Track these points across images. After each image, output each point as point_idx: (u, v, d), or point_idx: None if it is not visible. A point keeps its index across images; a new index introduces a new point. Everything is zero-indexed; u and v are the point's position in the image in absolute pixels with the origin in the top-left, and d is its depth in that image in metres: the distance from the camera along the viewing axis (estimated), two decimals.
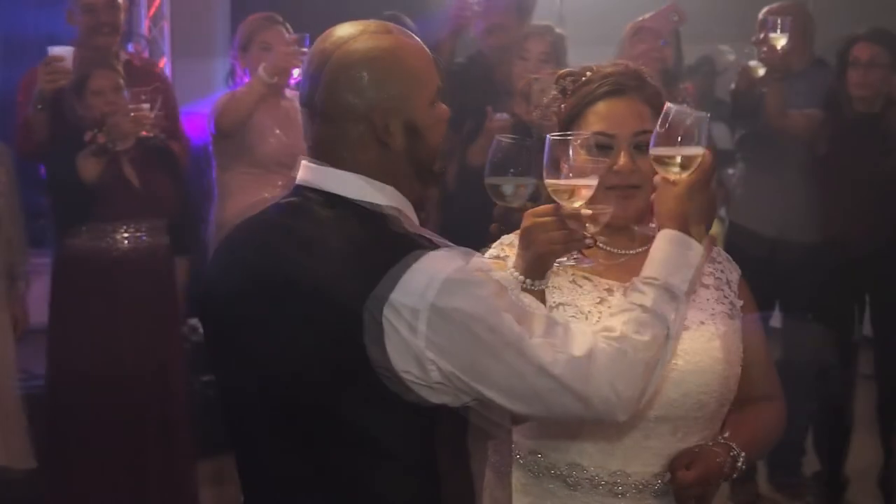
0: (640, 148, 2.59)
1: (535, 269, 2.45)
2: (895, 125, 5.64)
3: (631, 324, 2.20)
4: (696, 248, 2.32)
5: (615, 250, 2.70)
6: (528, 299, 2.27)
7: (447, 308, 2.07)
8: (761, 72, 5.61)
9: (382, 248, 2.14)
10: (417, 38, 2.35)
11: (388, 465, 2.18)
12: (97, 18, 5.61)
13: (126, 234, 5.31)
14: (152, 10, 8.09)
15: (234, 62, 5.85)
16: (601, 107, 2.64)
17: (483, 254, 2.62)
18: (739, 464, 2.65)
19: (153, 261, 5.36)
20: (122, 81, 5.27)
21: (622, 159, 2.59)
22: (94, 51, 5.57)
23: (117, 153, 5.28)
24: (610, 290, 2.63)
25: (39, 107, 5.30)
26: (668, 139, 2.37)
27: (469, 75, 5.70)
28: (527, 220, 2.44)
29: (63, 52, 5.29)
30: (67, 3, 5.71)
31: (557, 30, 5.78)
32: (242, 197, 5.63)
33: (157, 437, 5.34)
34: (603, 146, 2.59)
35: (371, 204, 2.23)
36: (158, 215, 5.38)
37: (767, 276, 5.60)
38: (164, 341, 5.38)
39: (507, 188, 2.45)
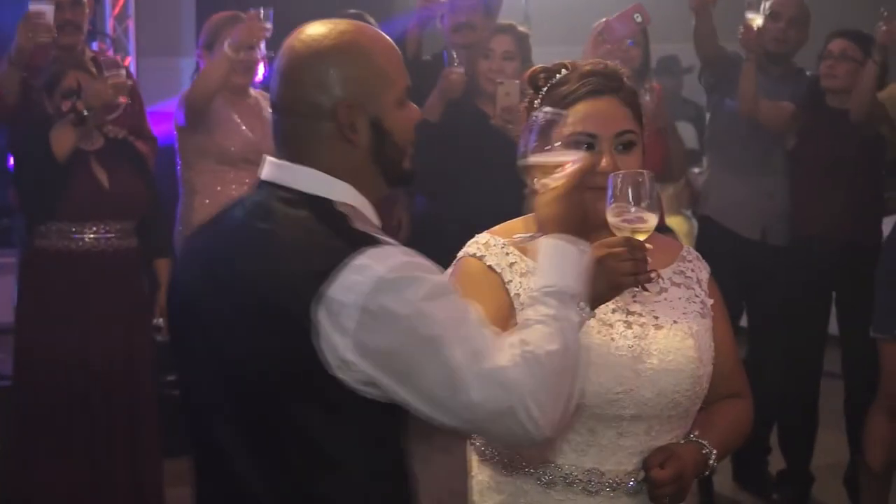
0: (620, 149, 2.61)
1: (604, 299, 2.40)
2: (866, 121, 5.67)
3: (542, 336, 2.15)
4: (581, 246, 2.29)
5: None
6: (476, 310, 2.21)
7: (377, 308, 2.07)
8: (759, 22, 5.62)
9: (325, 244, 2.14)
10: (388, 38, 2.35)
11: (332, 467, 2.18)
12: (61, 16, 5.59)
13: (94, 235, 5.28)
14: (117, 9, 8.05)
15: (200, 61, 5.83)
16: (582, 107, 2.62)
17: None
18: (711, 461, 2.66)
19: (121, 261, 5.34)
20: (97, 77, 5.25)
21: (606, 160, 2.58)
22: (59, 49, 5.56)
23: (86, 152, 5.27)
24: None
25: (15, 63, 5.31)
26: (540, 147, 2.37)
27: (436, 73, 5.70)
28: (599, 251, 2.38)
29: (44, 8, 5.30)
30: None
31: (521, 28, 5.80)
32: (208, 195, 5.62)
33: (124, 436, 5.31)
34: (582, 145, 2.58)
35: (324, 200, 2.23)
36: (127, 216, 5.36)
37: (736, 274, 5.63)
38: (131, 341, 5.36)
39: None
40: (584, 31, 5.64)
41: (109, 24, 7.89)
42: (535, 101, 2.69)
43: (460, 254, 2.66)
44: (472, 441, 2.68)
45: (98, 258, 5.29)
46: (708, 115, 6.16)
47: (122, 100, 5.32)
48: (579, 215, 2.33)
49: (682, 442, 2.65)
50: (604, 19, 5.53)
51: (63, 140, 5.14)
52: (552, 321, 2.18)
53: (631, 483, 2.60)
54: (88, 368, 5.26)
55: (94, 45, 6.48)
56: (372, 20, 5.71)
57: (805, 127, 5.77)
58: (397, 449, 2.24)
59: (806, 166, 5.75)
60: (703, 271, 2.79)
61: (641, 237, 2.41)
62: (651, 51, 5.81)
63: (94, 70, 5.31)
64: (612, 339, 2.59)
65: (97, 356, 5.26)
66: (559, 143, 2.40)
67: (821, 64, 5.79)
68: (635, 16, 5.51)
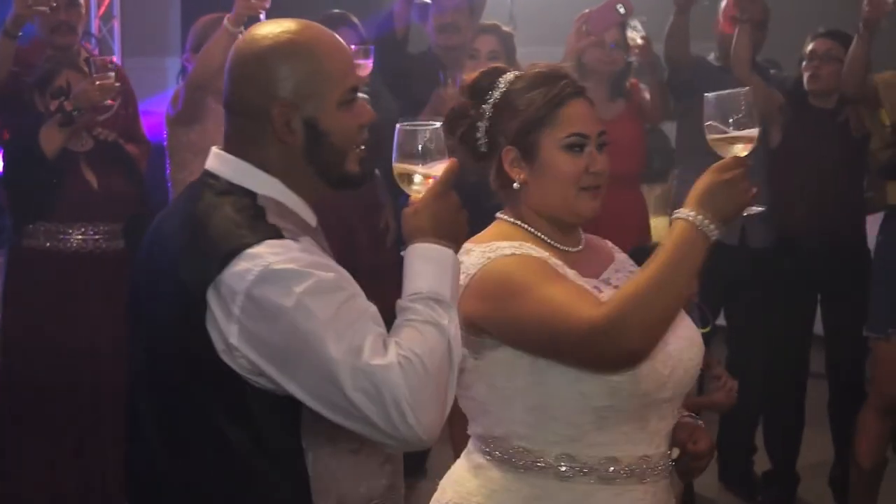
0: (599, 147, 2.67)
1: (725, 221, 2.46)
2: (849, 121, 5.67)
3: (413, 340, 2.15)
4: (447, 253, 2.30)
5: (565, 248, 2.71)
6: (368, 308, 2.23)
7: (261, 297, 2.11)
8: None
9: (233, 232, 2.19)
10: (336, 38, 2.38)
11: (226, 456, 2.23)
12: (56, 17, 5.60)
13: (81, 236, 5.28)
14: (102, 9, 8.03)
15: (186, 64, 5.81)
16: (570, 109, 2.66)
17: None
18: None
19: (108, 262, 5.34)
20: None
21: (599, 160, 2.65)
22: (54, 49, 5.55)
23: (76, 153, 5.26)
24: (600, 287, 2.67)
25: (10, 33, 5.32)
26: (409, 156, 2.37)
27: (420, 73, 5.70)
28: (718, 175, 2.48)
29: None
30: None
31: (505, 28, 5.80)
32: None
33: (113, 435, 5.29)
34: (576, 146, 2.64)
35: (247, 192, 2.28)
36: (115, 218, 5.36)
37: (716, 278, 5.62)
38: (118, 342, 5.33)
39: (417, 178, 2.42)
40: (569, 31, 5.65)
41: (95, 24, 7.86)
42: (483, 107, 2.70)
43: (493, 258, 2.61)
44: (505, 456, 2.64)
45: (85, 259, 5.29)
46: (677, 122, 6.13)
47: (110, 102, 5.31)
48: (448, 224, 2.33)
49: (685, 418, 2.74)
50: (586, 10, 5.54)
51: (51, 139, 5.14)
52: (421, 325, 2.18)
53: (667, 463, 2.67)
54: (75, 369, 5.26)
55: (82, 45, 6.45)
56: (355, 20, 5.71)
57: (788, 126, 5.76)
58: (293, 446, 2.25)
59: (789, 166, 5.74)
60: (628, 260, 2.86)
61: (744, 154, 2.53)
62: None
63: (87, 70, 5.31)
64: None
65: (84, 357, 5.26)
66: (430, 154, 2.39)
67: (803, 65, 5.76)
68: (618, 6, 5.52)
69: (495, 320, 2.52)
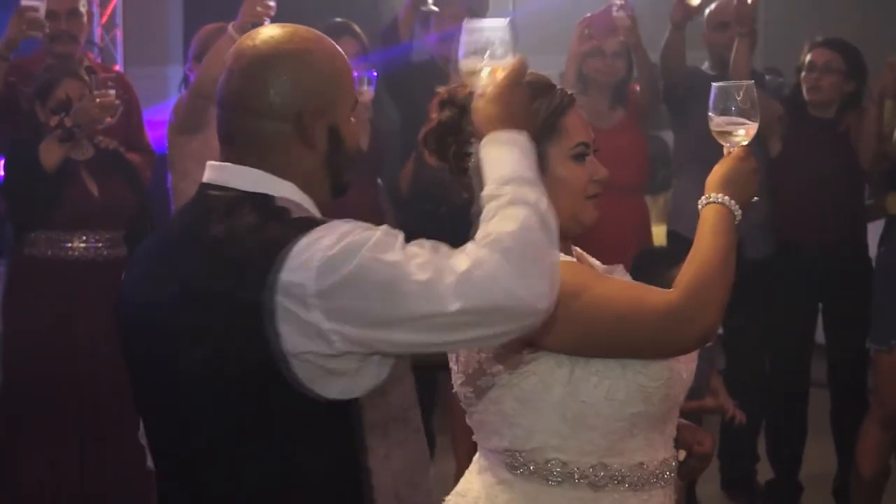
0: (594, 152, 2.68)
1: (747, 206, 2.63)
2: (856, 143, 5.66)
3: (500, 222, 2.14)
4: (524, 138, 2.31)
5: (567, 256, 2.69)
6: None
7: (335, 276, 2.07)
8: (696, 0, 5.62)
9: (269, 235, 2.15)
10: (340, 49, 2.38)
11: (288, 466, 2.19)
12: (57, 26, 5.61)
13: (83, 244, 5.29)
14: (104, 18, 8.04)
15: (189, 73, 5.81)
16: (571, 118, 2.66)
17: None
18: None
19: (110, 270, 5.32)
20: (88, 92, 5.26)
21: (602, 168, 2.66)
22: (54, 58, 5.57)
23: (77, 162, 5.27)
24: None
25: (2, 55, 5.37)
26: (474, 53, 2.41)
27: (422, 82, 5.71)
28: (743, 163, 2.63)
29: (37, 3, 5.34)
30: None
31: None
32: None
33: (113, 445, 5.31)
34: (582, 156, 2.64)
35: (264, 196, 2.24)
36: (117, 225, 5.37)
37: None
38: (120, 350, 5.34)
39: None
40: (569, 41, 5.66)
41: (97, 33, 7.87)
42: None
43: None
44: (533, 469, 2.61)
45: (87, 267, 5.30)
46: (674, 133, 6.12)
47: (109, 119, 5.31)
48: (521, 114, 2.35)
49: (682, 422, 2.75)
50: (588, 14, 5.55)
51: (51, 154, 5.16)
52: (506, 206, 2.17)
53: (674, 465, 2.67)
54: (76, 377, 5.27)
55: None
56: (358, 29, 5.72)
57: (788, 136, 5.75)
58: (352, 446, 2.25)
59: (788, 176, 5.73)
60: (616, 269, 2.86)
61: (745, 142, 2.66)
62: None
63: (87, 79, 5.32)
64: None
65: (85, 365, 5.27)
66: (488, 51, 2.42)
67: (802, 75, 5.74)
68: (616, 8, 5.54)
69: (549, 328, 2.44)
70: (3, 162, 5.49)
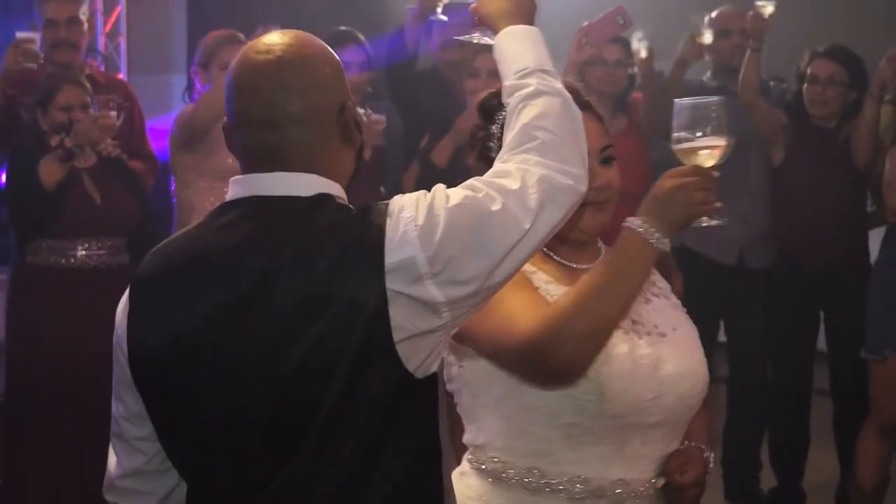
0: (605, 162, 2.64)
1: (673, 230, 2.46)
2: (851, 142, 5.66)
3: (531, 112, 2.22)
4: (535, 30, 2.37)
5: (574, 265, 2.69)
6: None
7: (435, 238, 2.08)
8: (770, 9, 5.61)
9: (354, 230, 2.11)
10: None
11: (385, 446, 2.14)
12: (57, 34, 5.62)
13: (85, 252, 5.30)
14: (108, 27, 8.06)
15: (195, 77, 5.82)
16: None
17: None
18: (710, 465, 2.71)
19: (112, 278, 5.34)
20: (89, 99, 5.27)
21: (601, 174, 2.60)
22: (54, 67, 5.58)
23: (79, 169, 5.28)
24: None
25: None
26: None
27: (425, 90, 5.72)
28: (672, 181, 2.47)
29: (31, 35, 5.43)
30: (34, 14, 5.72)
31: None
32: (205, 212, 5.60)
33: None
34: None
35: (327, 196, 2.18)
36: (119, 233, 5.39)
37: (714, 298, 5.62)
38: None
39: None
40: (569, 47, 5.66)
41: (101, 42, 7.89)
42: (493, 126, 2.64)
43: None
44: (483, 466, 2.64)
45: (90, 274, 5.32)
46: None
47: (108, 142, 5.32)
48: (529, 7, 2.40)
49: (683, 447, 2.68)
50: (586, 23, 5.54)
51: (50, 173, 5.18)
52: (536, 96, 2.24)
53: (652, 490, 2.62)
54: (79, 384, 5.27)
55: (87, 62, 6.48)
56: (361, 37, 5.74)
57: (790, 146, 5.75)
58: (434, 421, 2.21)
59: (791, 185, 5.73)
60: (664, 280, 2.81)
61: (710, 163, 2.49)
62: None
63: (88, 86, 5.33)
64: (636, 348, 2.58)
65: (88, 372, 5.26)
66: None
67: (804, 87, 5.73)
68: (617, 18, 5.51)
69: (465, 328, 2.40)
70: (4, 172, 5.50)
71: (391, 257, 2.07)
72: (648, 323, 2.65)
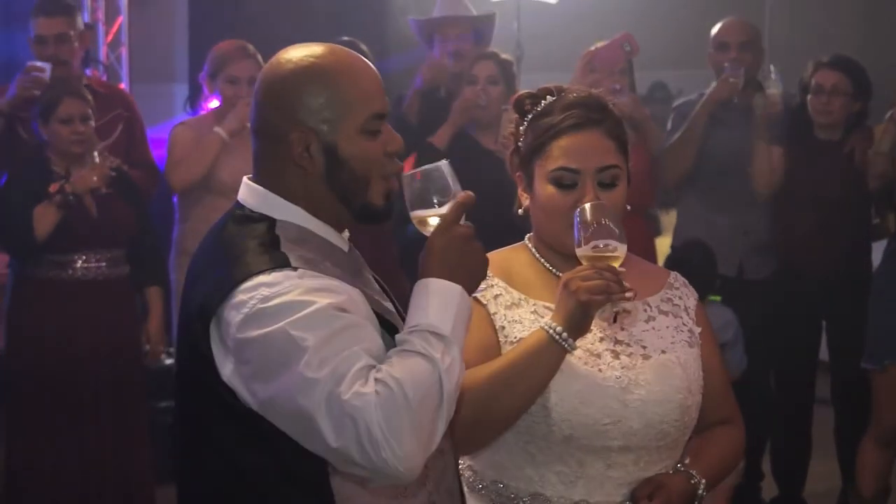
0: (604, 184, 2.60)
1: (577, 320, 2.42)
2: (856, 152, 5.66)
3: (398, 369, 2.08)
4: (452, 288, 2.20)
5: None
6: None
7: (250, 334, 2.10)
8: (776, 92, 5.61)
9: (237, 262, 2.18)
10: (369, 64, 2.32)
11: (245, 485, 2.21)
12: (45, 51, 5.62)
13: (84, 264, 5.29)
14: (110, 36, 8.05)
15: (203, 84, 5.84)
16: (565, 141, 2.60)
17: None
18: (700, 491, 2.67)
19: (112, 289, 5.35)
20: (90, 111, 5.27)
21: (589, 195, 2.56)
22: (55, 80, 5.57)
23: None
24: None
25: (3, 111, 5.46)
26: (423, 201, 2.29)
27: (427, 100, 5.73)
28: (565, 276, 2.45)
29: (42, 65, 5.46)
30: (29, 30, 5.73)
31: (504, 55, 5.83)
32: (201, 222, 5.61)
33: (114, 465, 5.34)
34: (567, 182, 2.59)
35: (266, 219, 2.25)
36: (118, 244, 5.37)
37: (724, 303, 5.62)
38: (122, 367, 5.37)
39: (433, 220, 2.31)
40: (576, 58, 5.65)
41: (103, 51, 7.89)
42: (521, 127, 2.69)
43: None
44: (462, 473, 2.65)
45: (89, 286, 5.30)
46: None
47: (104, 189, 5.32)
48: (456, 255, 2.22)
49: (671, 472, 2.65)
50: (593, 47, 5.53)
51: (45, 218, 5.16)
52: (411, 356, 2.11)
53: None
54: (79, 395, 5.28)
55: (88, 72, 6.48)
56: (364, 48, 5.74)
57: (793, 158, 5.72)
58: (316, 468, 2.18)
59: (793, 199, 5.71)
60: (690, 298, 2.78)
61: (616, 264, 2.44)
62: (640, 78, 5.82)
63: (89, 97, 5.32)
64: (600, 370, 2.57)
65: (87, 383, 5.28)
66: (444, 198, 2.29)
67: (809, 97, 5.71)
68: (624, 45, 5.51)
69: None
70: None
71: (226, 310, 2.14)
72: (636, 343, 2.64)
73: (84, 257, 5.29)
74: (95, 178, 5.19)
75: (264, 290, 2.11)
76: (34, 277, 5.30)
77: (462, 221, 2.26)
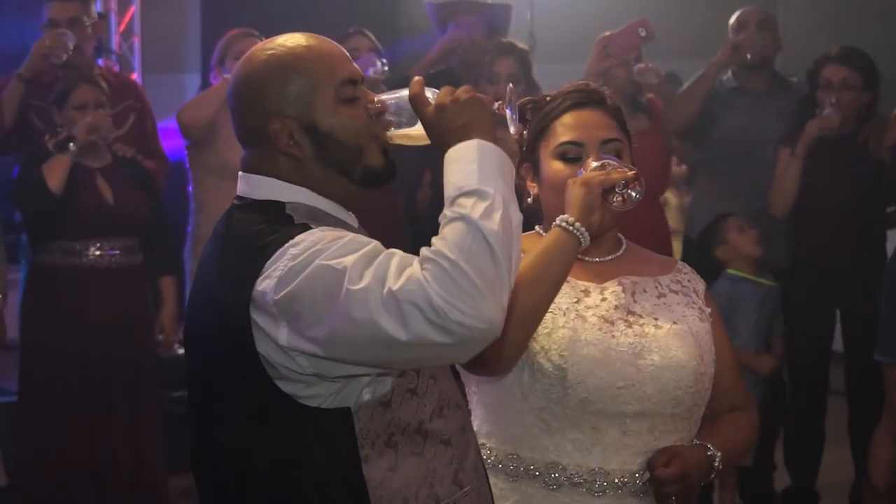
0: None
1: (585, 206, 2.48)
2: (870, 142, 5.64)
3: (437, 243, 2.06)
4: (465, 146, 2.18)
5: (587, 258, 2.72)
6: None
7: (289, 286, 2.08)
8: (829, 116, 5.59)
9: (259, 244, 2.16)
10: (325, 38, 2.33)
11: (282, 477, 2.21)
12: (56, 38, 5.61)
13: (98, 252, 5.30)
14: (122, 26, 8.07)
15: (213, 80, 5.85)
16: (568, 118, 2.68)
17: None
18: (716, 464, 2.69)
19: (126, 277, 5.36)
20: (104, 98, 5.28)
21: (594, 168, 2.59)
22: (62, 69, 5.57)
23: (92, 169, 5.31)
24: (586, 292, 2.67)
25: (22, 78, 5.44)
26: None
27: (433, 81, 5.72)
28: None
29: (63, 30, 5.47)
30: (42, 16, 5.73)
31: (520, 45, 5.81)
32: (215, 211, 5.62)
33: (126, 453, 5.35)
34: (572, 156, 2.65)
35: (275, 203, 2.25)
36: (132, 233, 5.39)
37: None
38: (134, 356, 5.38)
39: None
40: (589, 49, 5.65)
41: (115, 41, 7.90)
42: (524, 132, 2.73)
43: None
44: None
45: (103, 274, 5.33)
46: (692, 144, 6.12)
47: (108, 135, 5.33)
48: (452, 115, 2.23)
49: (685, 443, 2.68)
50: (608, 32, 5.52)
51: (56, 168, 5.17)
52: (445, 227, 2.09)
53: (637, 483, 2.61)
54: (91, 383, 5.31)
55: (100, 62, 6.49)
56: (371, 36, 5.73)
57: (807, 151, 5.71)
58: (350, 458, 2.20)
59: (807, 190, 5.69)
60: (699, 283, 2.83)
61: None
62: None
63: (104, 85, 5.33)
64: (613, 336, 2.61)
65: (100, 371, 5.31)
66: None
67: (818, 93, 5.68)
68: (640, 30, 5.51)
69: None
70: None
71: (259, 284, 2.13)
72: (648, 315, 2.68)
73: (98, 244, 5.31)
74: (97, 126, 5.19)
75: (292, 250, 2.11)
76: (48, 264, 5.32)
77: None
